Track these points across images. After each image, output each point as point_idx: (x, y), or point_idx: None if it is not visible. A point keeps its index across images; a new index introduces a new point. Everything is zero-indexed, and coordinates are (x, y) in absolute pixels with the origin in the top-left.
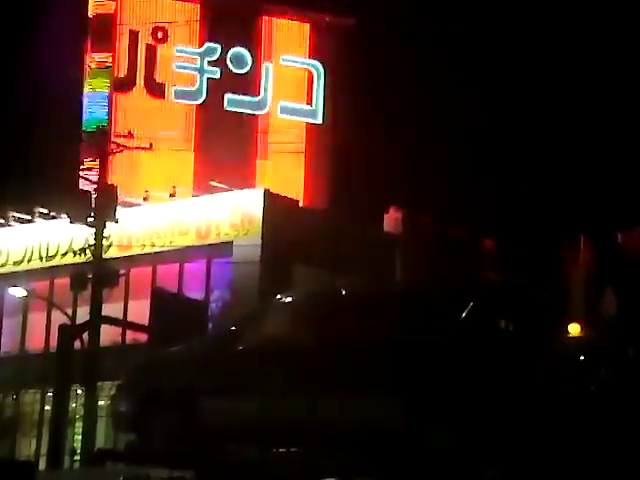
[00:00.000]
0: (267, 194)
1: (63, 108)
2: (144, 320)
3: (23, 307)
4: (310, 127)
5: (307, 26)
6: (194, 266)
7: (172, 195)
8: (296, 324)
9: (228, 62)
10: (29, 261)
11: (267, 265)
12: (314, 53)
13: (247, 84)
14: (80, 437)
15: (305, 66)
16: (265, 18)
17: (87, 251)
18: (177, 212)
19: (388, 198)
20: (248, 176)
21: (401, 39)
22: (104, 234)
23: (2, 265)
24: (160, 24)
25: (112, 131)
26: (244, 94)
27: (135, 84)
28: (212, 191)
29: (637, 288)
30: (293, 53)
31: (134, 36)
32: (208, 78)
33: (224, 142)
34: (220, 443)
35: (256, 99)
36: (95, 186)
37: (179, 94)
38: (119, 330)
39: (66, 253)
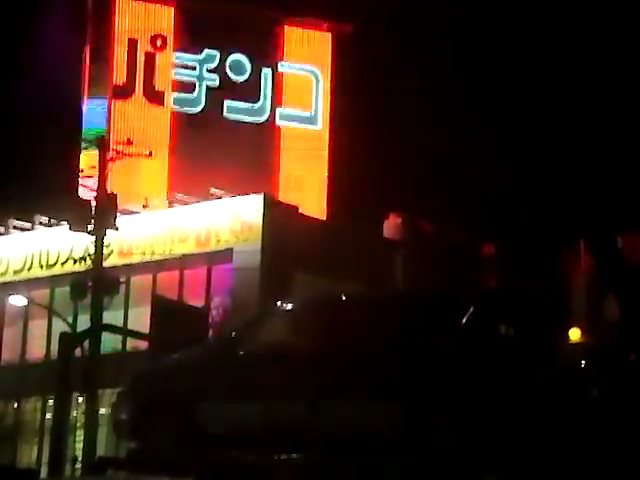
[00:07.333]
0: (267, 200)
1: (63, 116)
2: (144, 328)
3: (24, 315)
4: (310, 133)
5: (306, 32)
6: (194, 273)
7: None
8: (296, 330)
9: (227, 69)
10: (29, 269)
11: (267, 272)
12: (313, 59)
13: (246, 91)
14: (81, 445)
15: (304, 72)
16: (264, 25)
17: (87, 259)
18: (177, 219)
19: (388, 204)
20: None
21: (400, 44)
22: (104, 242)
23: (2, 274)
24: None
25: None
26: (243, 101)
27: (134, 92)
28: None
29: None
30: (292, 59)
31: (133, 44)
32: (207, 85)
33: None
34: (221, 450)
35: (255, 106)
36: (95, 194)
37: (178, 101)
38: (119, 338)
39: (66, 261)
